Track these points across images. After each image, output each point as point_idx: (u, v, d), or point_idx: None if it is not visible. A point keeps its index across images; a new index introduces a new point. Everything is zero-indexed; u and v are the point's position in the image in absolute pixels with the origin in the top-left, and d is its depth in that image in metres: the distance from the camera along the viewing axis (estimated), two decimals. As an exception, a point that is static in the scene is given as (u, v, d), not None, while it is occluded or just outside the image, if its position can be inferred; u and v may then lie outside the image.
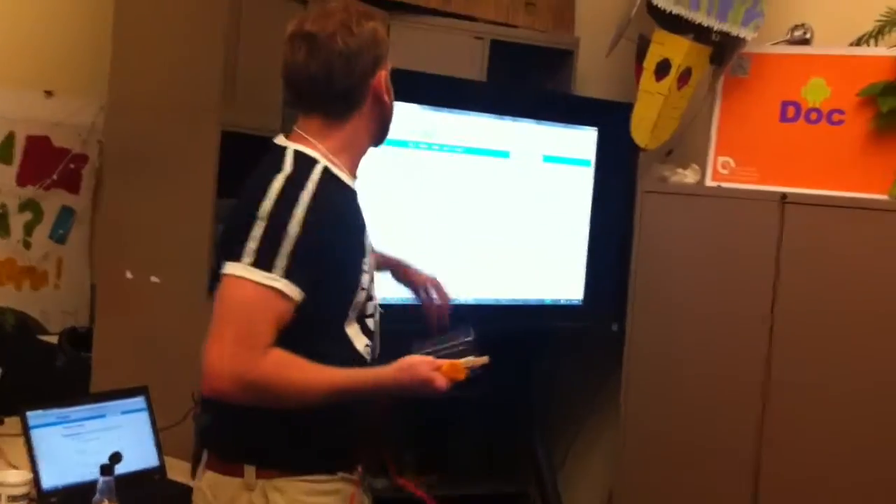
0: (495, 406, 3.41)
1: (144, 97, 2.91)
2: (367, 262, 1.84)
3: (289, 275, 1.65)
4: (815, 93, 2.96)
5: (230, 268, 1.66)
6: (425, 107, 3.04)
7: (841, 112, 2.92)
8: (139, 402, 2.54)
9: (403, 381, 1.76)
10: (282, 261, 1.65)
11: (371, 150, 1.93)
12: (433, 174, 3.07)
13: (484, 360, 1.84)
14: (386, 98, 1.86)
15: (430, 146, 3.05)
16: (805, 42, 3.07)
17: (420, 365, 1.77)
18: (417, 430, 3.28)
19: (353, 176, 1.88)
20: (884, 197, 2.79)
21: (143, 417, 2.54)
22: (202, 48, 2.78)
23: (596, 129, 3.31)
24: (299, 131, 1.83)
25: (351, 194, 1.85)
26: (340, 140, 1.83)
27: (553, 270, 3.32)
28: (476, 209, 3.15)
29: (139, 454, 2.48)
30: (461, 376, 1.80)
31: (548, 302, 3.32)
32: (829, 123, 2.94)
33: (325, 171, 1.77)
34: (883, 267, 2.66)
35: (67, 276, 3.58)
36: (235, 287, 1.65)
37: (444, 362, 1.79)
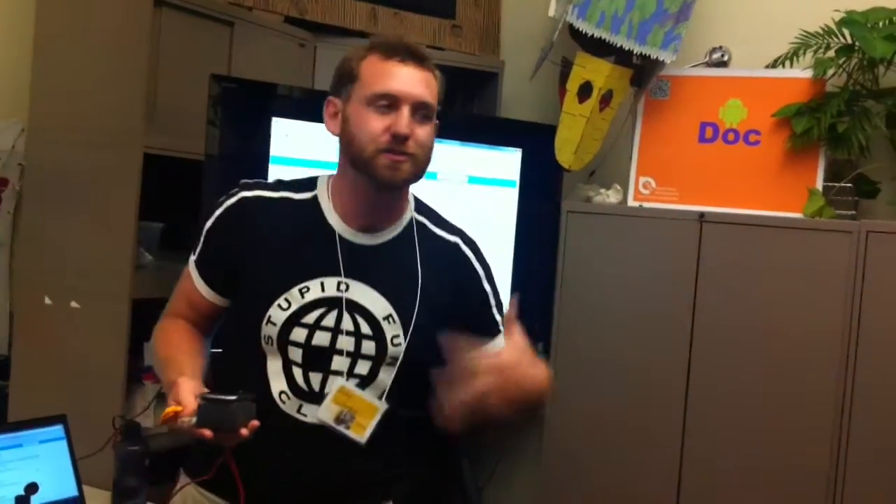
0: (421, 424, 3.40)
1: (66, 120, 2.87)
2: (290, 300, 1.73)
3: (197, 262, 1.84)
4: (733, 114, 3.03)
5: None
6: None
7: (757, 133, 2.99)
8: (57, 430, 2.48)
9: (169, 395, 1.62)
10: (198, 247, 1.84)
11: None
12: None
13: (194, 430, 1.56)
14: (333, 129, 1.80)
15: (355, 168, 3.05)
16: (723, 64, 3.15)
17: (175, 388, 1.59)
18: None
19: (353, 224, 1.78)
20: (798, 215, 2.86)
21: (62, 446, 2.47)
22: (124, 70, 2.75)
23: (520, 150, 3.34)
24: None
25: (318, 231, 1.77)
26: (336, 177, 1.83)
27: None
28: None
29: (57, 484, 2.42)
30: (173, 423, 1.56)
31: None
32: (745, 144, 3.01)
33: (312, 198, 1.80)
34: (797, 283, 2.74)
35: (-14, 302, 3.49)
36: None
37: (184, 401, 1.57)
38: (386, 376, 1.80)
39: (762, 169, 2.97)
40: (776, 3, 3.22)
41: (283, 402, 1.76)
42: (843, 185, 2.90)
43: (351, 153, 1.74)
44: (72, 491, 2.47)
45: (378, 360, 1.77)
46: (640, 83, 3.12)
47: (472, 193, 3.28)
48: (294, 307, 1.73)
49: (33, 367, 2.89)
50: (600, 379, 2.98)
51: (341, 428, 1.75)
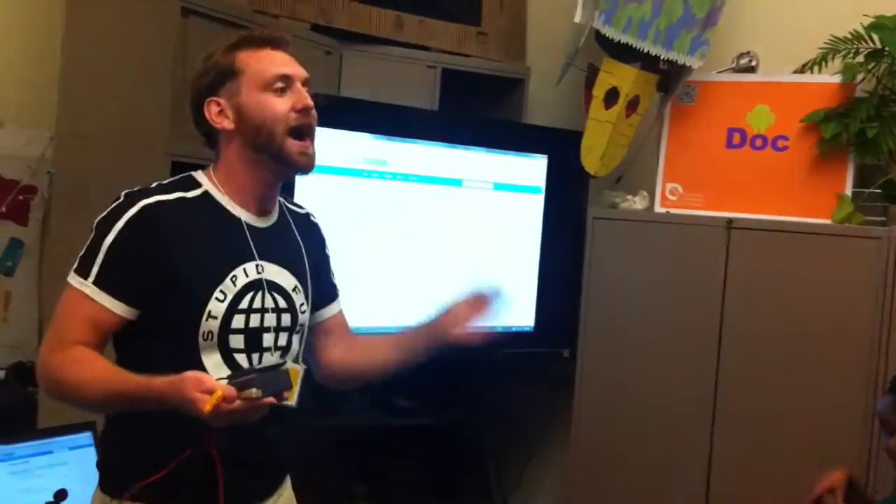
0: (446, 433, 3.40)
1: (94, 128, 2.89)
2: (225, 290, 1.78)
3: (98, 282, 1.72)
4: (760, 120, 3.02)
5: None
6: (377, 136, 3.05)
7: (785, 138, 2.97)
8: (86, 437, 2.50)
9: (172, 396, 1.62)
10: (95, 269, 1.73)
11: (294, 178, 2.00)
12: (386, 203, 3.07)
13: (262, 399, 1.62)
14: (224, 125, 1.82)
15: (382, 175, 3.06)
16: (750, 70, 3.13)
17: (189, 381, 1.61)
18: (370, 459, 3.27)
19: (253, 209, 1.86)
20: (827, 221, 2.84)
21: (90, 453, 2.50)
22: (151, 78, 2.77)
23: (546, 156, 3.34)
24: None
25: (225, 223, 1.83)
26: (223, 168, 1.85)
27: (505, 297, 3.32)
28: (428, 237, 3.16)
29: (86, 491, 2.42)
30: (226, 406, 1.58)
31: (499, 328, 3.31)
32: (773, 150, 2.99)
33: (203, 194, 1.83)
34: (825, 290, 2.71)
35: (15, 309, 3.51)
36: (65, 291, 1.77)
37: (219, 386, 1.60)
38: (297, 342, 1.93)
39: (790, 175, 2.95)
40: (804, 7, 3.19)
41: None
42: (872, 190, 2.87)
43: (258, 142, 1.81)
44: (100, 497, 2.48)
45: (291, 329, 1.89)
46: (667, 89, 3.10)
47: (498, 200, 3.28)
48: (230, 297, 1.79)
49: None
50: (627, 386, 2.97)
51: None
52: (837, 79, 2.91)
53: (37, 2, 3.55)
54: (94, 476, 2.46)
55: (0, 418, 2.97)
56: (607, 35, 2.94)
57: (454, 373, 3.18)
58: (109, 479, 1.82)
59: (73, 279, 1.74)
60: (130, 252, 1.73)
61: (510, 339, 3.30)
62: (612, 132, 3.03)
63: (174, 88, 2.72)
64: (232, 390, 1.58)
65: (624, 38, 2.94)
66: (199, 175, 1.85)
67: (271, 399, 1.62)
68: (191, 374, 1.62)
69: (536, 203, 3.34)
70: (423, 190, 3.15)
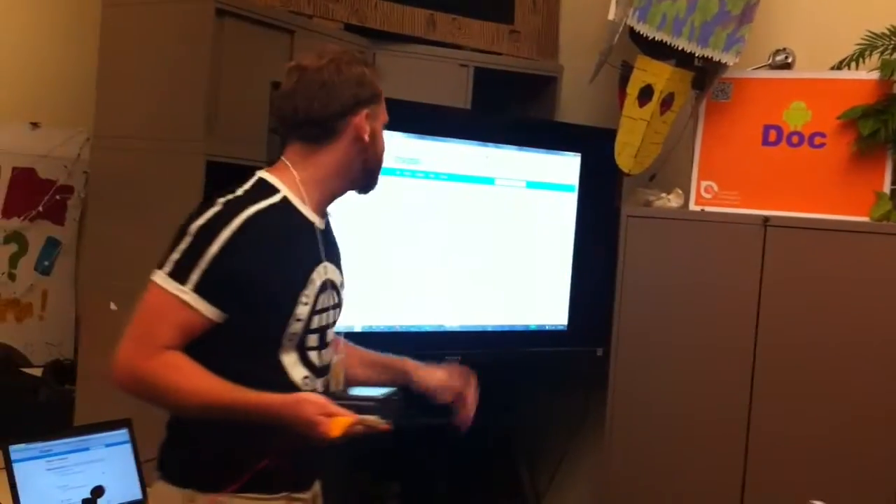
0: (480, 432, 3.39)
1: (130, 128, 2.91)
2: (308, 294, 1.86)
3: (199, 289, 1.75)
4: (797, 117, 2.99)
5: (153, 274, 1.79)
6: (410, 135, 3.05)
7: (822, 135, 2.94)
8: (122, 434, 2.52)
9: (286, 415, 1.73)
10: (195, 276, 1.75)
11: (356, 195, 2.01)
12: (418, 202, 3.07)
13: (382, 425, 1.76)
14: (366, 139, 1.91)
15: (414, 174, 3.06)
16: (786, 66, 3.10)
17: (309, 405, 1.74)
18: (402, 459, 3.27)
19: (319, 212, 1.94)
20: (865, 219, 2.81)
21: (127, 450, 2.51)
22: (186, 79, 2.79)
23: (579, 154, 3.32)
24: (282, 159, 1.93)
25: (302, 228, 1.90)
26: (315, 171, 1.91)
27: (538, 296, 3.32)
28: (461, 236, 3.15)
29: (122, 487, 2.46)
30: (348, 432, 1.71)
31: (532, 328, 3.32)
32: (810, 147, 2.96)
33: (282, 201, 1.86)
34: (864, 289, 2.68)
35: (52, 307, 3.57)
36: (150, 292, 1.78)
37: (338, 410, 1.73)
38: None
39: (827, 172, 2.92)
40: (841, 4, 3.16)
41: (306, 386, 1.89)
42: (911, 187, 2.84)
43: (370, 164, 1.96)
44: (136, 494, 2.51)
45: (335, 323, 2.00)
46: (702, 86, 3.08)
47: (531, 198, 3.28)
48: (311, 300, 1.87)
49: (99, 371, 2.91)
50: (662, 385, 2.95)
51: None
52: (875, 75, 2.88)
53: (72, 3, 3.59)
54: (131, 472, 2.50)
55: (37, 415, 3.02)
56: (641, 32, 2.92)
57: (487, 372, 3.17)
58: (194, 477, 1.83)
59: (168, 283, 1.76)
60: (233, 263, 1.76)
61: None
62: (647, 130, 3.01)
63: (210, 88, 2.74)
64: (355, 417, 1.72)
65: (658, 35, 2.91)
66: (271, 178, 1.89)
67: (387, 426, 1.75)
68: (310, 396, 1.77)
69: (570, 201, 3.32)
70: (456, 188, 3.14)
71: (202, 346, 1.78)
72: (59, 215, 3.60)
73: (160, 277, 1.77)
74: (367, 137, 1.91)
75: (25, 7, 3.57)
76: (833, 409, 2.71)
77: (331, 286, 1.94)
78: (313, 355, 1.91)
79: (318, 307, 1.89)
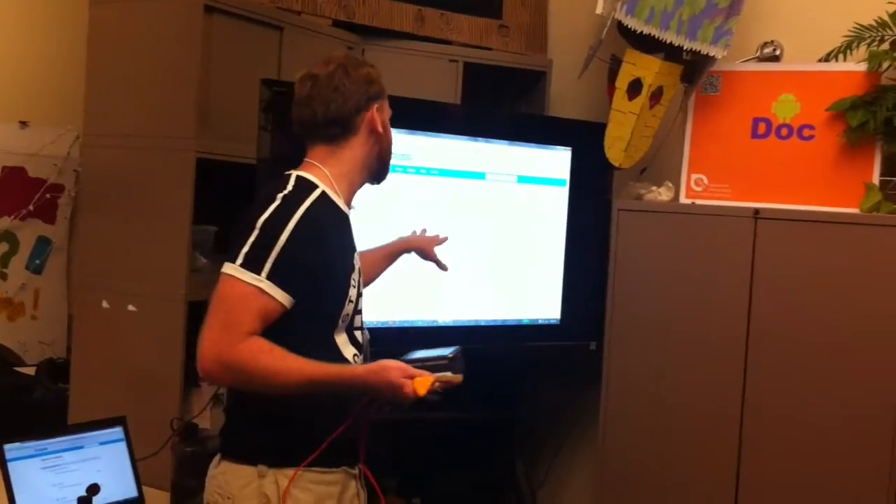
0: (476, 427, 3.41)
1: (120, 126, 2.91)
2: (355, 278, 2.07)
3: (272, 277, 1.89)
4: (786, 109, 3.00)
5: (225, 267, 1.91)
6: (401, 130, 3.03)
7: (811, 127, 2.95)
8: (117, 432, 2.52)
9: (372, 382, 1.91)
10: (268, 265, 1.89)
11: (372, 186, 2.20)
12: (409, 197, 3.07)
13: (458, 378, 1.95)
14: (380, 130, 2.11)
15: (405, 169, 3.06)
16: (775, 59, 3.11)
17: (392, 370, 1.91)
18: (398, 453, 3.27)
19: (348, 204, 2.11)
20: (855, 210, 2.82)
21: (122, 448, 2.52)
22: (176, 76, 2.79)
23: (570, 149, 3.33)
24: (308, 159, 2.09)
25: (342, 218, 2.08)
26: (341, 166, 2.08)
27: (530, 290, 3.33)
28: (452, 231, 3.15)
29: (117, 485, 2.46)
30: (430, 389, 1.90)
31: (526, 322, 3.32)
32: (799, 139, 2.97)
33: (322, 195, 2.02)
34: (855, 280, 2.69)
35: (44, 306, 3.56)
36: (226, 284, 1.90)
37: (418, 372, 1.91)
38: None
39: (817, 164, 2.93)
40: (828, -4, 3.17)
41: (356, 362, 2.07)
42: (900, 178, 2.85)
43: (384, 154, 2.16)
44: (132, 492, 2.51)
45: None
46: (691, 79, 3.09)
47: (522, 193, 3.28)
48: (357, 282, 2.08)
49: (92, 369, 2.94)
50: (654, 378, 2.96)
51: None
52: (863, 67, 2.89)
53: (61, 1, 3.58)
54: (126, 470, 2.50)
55: (31, 414, 3.02)
56: (630, 26, 2.93)
57: (482, 366, 3.18)
58: (264, 453, 1.96)
59: (244, 275, 1.88)
60: (299, 251, 1.91)
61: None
62: (636, 123, 3.02)
63: (199, 85, 2.74)
64: (434, 375, 1.91)
65: (647, 29, 2.92)
66: (307, 175, 2.05)
67: (460, 378, 1.95)
68: (392, 362, 1.93)
69: (561, 196, 3.33)
70: (447, 183, 3.15)
71: (272, 332, 1.89)
72: (50, 214, 3.60)
73: (234, 269, 1.89)
74: (381, 129, 2.11)
75: (13, 5, 3.56)
76: (825, 399, 2.72)
77: (361, 272, 2.14)
78: (358, 334, 2.11)
79: (360, 290, 2.11)
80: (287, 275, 1.90)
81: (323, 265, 1.96)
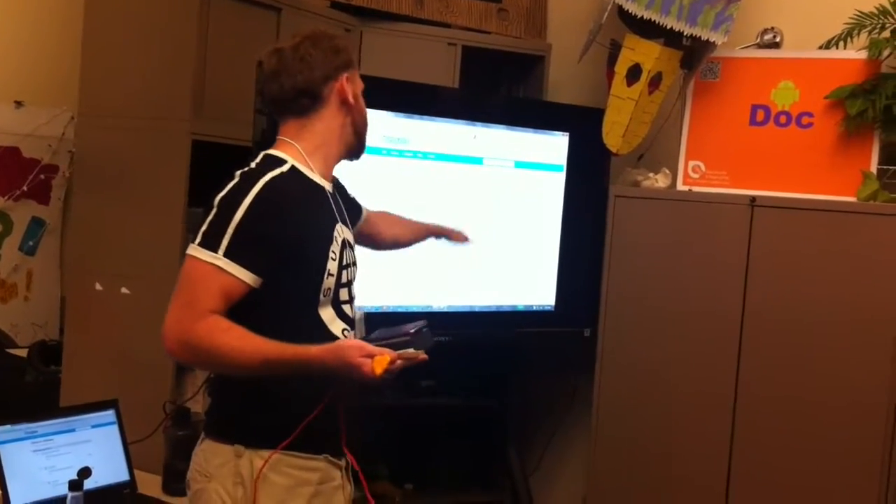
0: (469, 412, 3.40)
1: (115, 107, 2.89)
2: (335, 250, 2.01)
3: (230, 254, 1.87)
4: (785, 96, 2.98)
5: (189, 248, 1.91)
6: (398, 114, 3.04)
7: (810, 115, 2.94)
8: (109, 415, 2.52)
9: (329, 362, 1.85)
10: (225, 242, 1.87)
11: (349, 162, 2.16)
12: (406, 181, 3.06)
13: (421, 355, 1.87)
14: (351, 101, 2.07)
15: (402, 153, 3.05)
16: (775, 46, 3.09)
17: (349, 349, 1.86)
18: (391, 439, 3.27)
19: (325, 177, 2.08)
20: (852, 199, 2.81)
21: (113, 431, 2.51)
22: (172, 58, 2.77)
23: (567, 134, 3.31)
24: (280, 137, 2.07)
25: (315, 190, 2.04)
26: (314, 139, 2.05)
27: (525, 276, 3.32)
28: (449, 216, 3.13)
29: (109, 468, 2.46)
30: (392, 367, 1.82)
31: (520, 308, 3.31)
32: (798, 126, 2.95)
33: (291, 169, 1.99)
34: (851, 268, 2.68)
35: (37, 288, 3.55)
36: (187, 263, 1.90)
37: (378, 350, 1.83)
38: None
39: (815, 152, 2.92)
40: (829, -18, 3.15)
41: (346, 337, 2.03)
42: (898, 167, 2.84)
43: (358, 126, 2.12)
44: (124, 475, 2.51)
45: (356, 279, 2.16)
46: (690, 65, 3.07)
47: (519, 178, 3.27)
48: (338, 255, 2.02)
49: (85, 352, 2.92)
50: (648, 365, 2.95)
51: None
52: (863, 55, 2.88)
53: (56, -19, 3.55)
54: (118, 453, 2.50)
55: (23, 397, 3.01)
56: (630, 11, 2.91)
57: (475, 353, 3.18)
58: (241, 434, 1.95)
59: (202, 253, 1.87)
60: (257, 226, 1.88)
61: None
62: (635, 109, 3.00)
63: (196, 67, 2.72)
64: (393, 353, 1.82)
65: (647, 14, 2.90)
66: (276, 153, 2.03)
67: (425, 356, 1.86)
68: (349, 341, 1.91)
69: (558, 181, 3.32)
70: (444, 168, 3.13)
71: (250, 312, 1.88)
72: (44, 195, 3.58)
73: (193, 249, 1.88)
74: (351, 99, 2.06)
75: (8, -15, 3.54)
76: (819, 385, 2.72)
77: (349, 245, 2.10)
78: (346, 308, 2.07)
79: (345, 262, 2.05)
80: (245, 251, 1.87)
81: (289, 239, 1.91)
